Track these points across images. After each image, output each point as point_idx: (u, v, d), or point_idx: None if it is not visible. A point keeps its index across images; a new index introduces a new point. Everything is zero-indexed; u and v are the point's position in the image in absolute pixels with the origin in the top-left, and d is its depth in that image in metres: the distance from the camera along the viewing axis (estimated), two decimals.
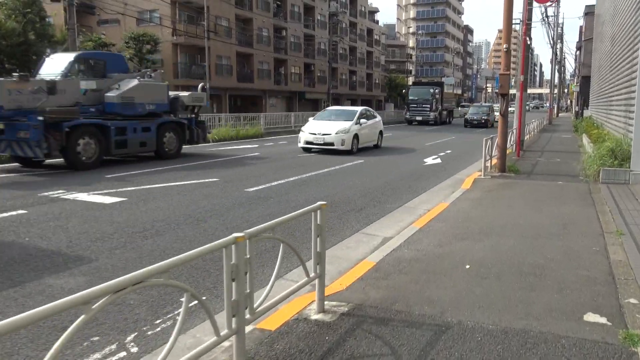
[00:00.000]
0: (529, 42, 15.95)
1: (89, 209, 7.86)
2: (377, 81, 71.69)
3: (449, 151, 18.76)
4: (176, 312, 4.09)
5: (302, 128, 17.63)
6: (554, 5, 34.47)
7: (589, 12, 36.72)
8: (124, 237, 6.29)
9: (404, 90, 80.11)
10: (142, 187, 9.91)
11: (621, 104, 13.73)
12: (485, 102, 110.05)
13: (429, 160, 15.66)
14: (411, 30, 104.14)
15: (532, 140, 23.61)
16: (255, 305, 3.06)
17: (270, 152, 17.22)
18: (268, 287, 3.40)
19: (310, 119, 18.70)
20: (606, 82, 19.11)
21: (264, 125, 28.59)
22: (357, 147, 17.30)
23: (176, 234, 6.52)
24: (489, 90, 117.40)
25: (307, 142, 16.88)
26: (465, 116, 39.68)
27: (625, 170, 9.99)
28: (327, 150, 16.95)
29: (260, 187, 10.16)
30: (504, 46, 11.21)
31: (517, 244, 5.88)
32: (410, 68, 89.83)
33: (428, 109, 41.67)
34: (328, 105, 50.54)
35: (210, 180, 10.92)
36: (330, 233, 6.40)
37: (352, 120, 17.34)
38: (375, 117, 19.80)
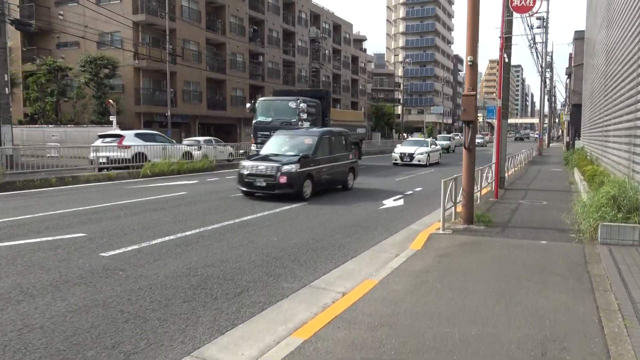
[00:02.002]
0: (506, 60, 13.34)
1: None
2: (362, 110, 69.39)
3: (419, 188, 15.96)
4: None
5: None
6: (536, 17, 32.16)
7: (579, 37, 34.65)
8: None
9: (390, 119, 78.52)
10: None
11: (621, 134, 11.03)
12: (478, 133, 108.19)
13: (389, 202, 12.83)
14: (400, 59, 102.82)
15: (518, 174, 20.90)
16: None
17: (202, 192, 14.35)
18: None
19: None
20: (600, 109, 16.50)
21: (236, 155, 25.91)
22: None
23: None
24: (480, 119, 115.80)
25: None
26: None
27: (634, 227, 7.18)
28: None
29: (127, 248, 7.27)
30: (468, 59, 8.51)
31: None
32: (399, 97, 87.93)
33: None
34: None
35: (72, 236, 8.02)
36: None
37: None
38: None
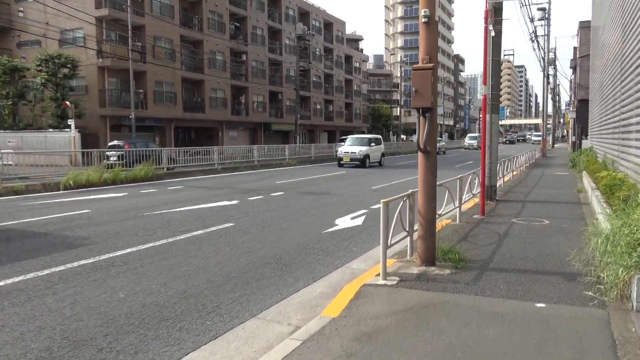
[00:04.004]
0: (493, 34, 10.29)
1: None
2: (357, 111, 66.45)
3: None
4: None
5: None
6: (537, 7, 28.99)
7: (584, 26, 31.57)
8: None
9: (387, 121, 75.39)
10: None
11: None
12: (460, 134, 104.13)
13: (344, 222, 9.82)
14: (398, 59, 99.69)
15: (517, 179, 17.85)
16: None
17: (111, 210, 11.38)
18: None
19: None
20: (614, 100, 13.46)
21: (218, 161, 23.01)
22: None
23: None
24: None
25: None
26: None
27: None
28: (206, 209, 11.13)
29: None
30: (423, 12, 5.52)
31: None
32: (397, 98, 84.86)
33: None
34: (297, 138, 45.23)
35: None
36: None
37: None
38: None
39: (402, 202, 6.06)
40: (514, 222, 9.07)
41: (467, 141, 62.10)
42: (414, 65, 5.57)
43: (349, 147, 27.47)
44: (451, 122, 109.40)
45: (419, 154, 5.77)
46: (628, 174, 9.64)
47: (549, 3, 40.99)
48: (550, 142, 57.36)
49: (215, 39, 39.41)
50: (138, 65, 32.29)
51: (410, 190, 6.21)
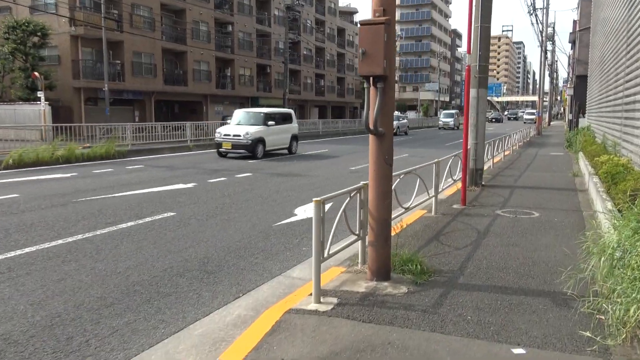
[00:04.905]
0: None
1: None
2: (350, 86, 64.66)
3: None
4: None
5: None
6: None
7: None
8: None
9: None
10: None
11: None
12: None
13: (305, 211, 8.50)
14: (396, 33, 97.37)
15: (509, 160, 16.55)
16: None
17: (44, 194, 10.03)
18: None
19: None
20: (617, 75, 12.09)
21: (191, 137, 21.51)
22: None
23: None
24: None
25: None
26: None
27: None
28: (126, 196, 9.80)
29: None
30: None
31: None
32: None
33: None
34: None
35: None
36: None
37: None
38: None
39: (348, 199, 4.73)
40: (499, 214, 7.78)
41: (442, 119, 51.34)
42: (361, 20, 4.18)
43: (234, 127, 17.92)
44: (447, 99, 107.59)
45: (370, 136, 4.43)
46: (632, 159, 8.33)
47: None
48: (547, 120, 56.04)
49: (198, 7, 37.47)
50: (114, 34, 30.55)
51: (361, 182, 4.88)
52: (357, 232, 4.87)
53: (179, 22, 36.84)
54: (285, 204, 9.20)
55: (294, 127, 20.25)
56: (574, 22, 36.35)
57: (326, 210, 4.35)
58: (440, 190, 8.05)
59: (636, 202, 4.60)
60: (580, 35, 28.66)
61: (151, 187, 10.74)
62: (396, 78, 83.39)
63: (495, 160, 15.28)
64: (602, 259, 3.69)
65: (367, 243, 4.70)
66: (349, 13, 75.46)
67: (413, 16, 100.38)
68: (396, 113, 37.03)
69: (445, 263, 5.18)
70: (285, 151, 19.64)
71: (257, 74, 45.67)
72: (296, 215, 8.29)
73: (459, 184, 9.40)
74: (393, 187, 5.43)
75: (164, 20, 35.65)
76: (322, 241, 4.11)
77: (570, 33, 37.36)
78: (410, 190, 7.34)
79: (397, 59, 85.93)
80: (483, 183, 10.74)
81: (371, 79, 4.24)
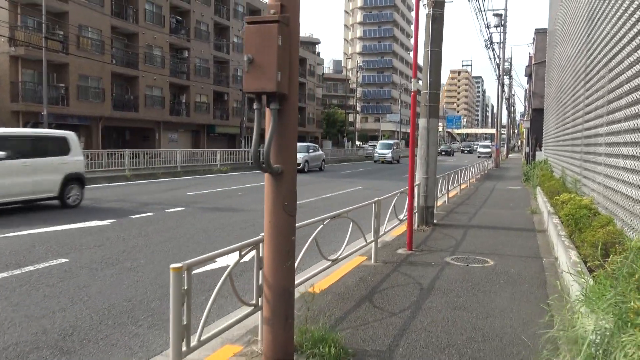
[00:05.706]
0: (426, 10, 7.93)
1: None
2: (311, 115, 64.10)
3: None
4: None
5: None
6: (494, 14, 27.41)
7: (540, 32, 30.18)
8: None
9: (342, 127, 73.37)
10: None
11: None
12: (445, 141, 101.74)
13: (228, 256, 7.21)
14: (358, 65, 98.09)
15: (465, 194, 15.72)
16: None
17: None
18: None
19: None
20: (574, 107, 11.44)
21: (129, 167, 19.95)
22: None
23: None
24: (440, 129, 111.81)
25: None
26: None
27: None
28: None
29: None
30: None
31: None
32: (354, 103, 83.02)
33: None
34: (242, 141, 42.40)
35: None
36: None
37: None
38: None
39: (237, 258, 3.55)
40: (448, 262, 6.71)
41: (379, 150, 42.60)
42: (247, 18, 3.05)
43: None
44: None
45: (265, 176, 3.28)
46: (595, 199, 7.46)
47: (505, 10, 39.86)
48: (505, 152, 56.59)
49: (153, 32, 36.20)
50: (59, 56, 28.92)
51: (261, 235, 3.71)
52: (253, 302, 3.67)
53: (131, 46, 35.44)
54: (208, 246, 7.92)
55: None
56: (530, 56, 36.77)
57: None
58: (381, 233, 6.95)
59: (611, 258, 3.59)
60: (536, 69, 28.75)
61: (57, 225, 9.29)
62: (358, 108, 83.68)
63: (451, 194, 14.42)
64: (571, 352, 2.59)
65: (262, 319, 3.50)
66: (311, 43, 75.57)
67: (375, 48, 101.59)
68: (306, 144, 29.24)
69: (373, 338, 4.01)
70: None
71: (214, 101, 44.43)
72: (215, 261, 7.02)
73: (403, 227, 8.34)
74: (313, 235, 4.29)
75: (115, 43, 34.19)
76: (187, 325, 2.89)
77: (527, 67, 37.78)
78: (347, 234, 6.21)
79: (359, 89, 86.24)
80: (435, 221, 9.73)
81: (262, 97, 3.11)
